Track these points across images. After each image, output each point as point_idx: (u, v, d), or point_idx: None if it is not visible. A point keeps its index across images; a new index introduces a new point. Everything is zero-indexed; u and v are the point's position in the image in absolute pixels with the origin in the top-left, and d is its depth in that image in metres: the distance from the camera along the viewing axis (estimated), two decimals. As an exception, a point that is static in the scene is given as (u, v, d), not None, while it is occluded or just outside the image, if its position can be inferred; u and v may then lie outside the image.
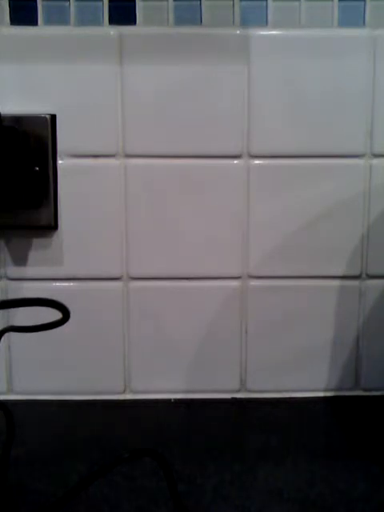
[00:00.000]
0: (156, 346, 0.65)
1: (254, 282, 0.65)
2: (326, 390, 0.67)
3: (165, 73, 0.61)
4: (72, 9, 0.61)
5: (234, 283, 0.65)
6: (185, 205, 0.63)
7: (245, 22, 0.61)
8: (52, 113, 0.61)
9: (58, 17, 0.61)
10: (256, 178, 0.63)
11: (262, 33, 0.61)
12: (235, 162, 0.63)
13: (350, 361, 0.66)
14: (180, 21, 0.61)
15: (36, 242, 0.63)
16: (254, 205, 0.63)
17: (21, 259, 0.64)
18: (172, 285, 0.64)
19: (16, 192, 0.59)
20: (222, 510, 0.46)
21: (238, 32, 0.61)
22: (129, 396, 0.66)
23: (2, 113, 0.58)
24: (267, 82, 0.62)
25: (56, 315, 0.45)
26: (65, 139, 0.61)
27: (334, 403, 0.65)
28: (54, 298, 0.46)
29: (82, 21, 0.61)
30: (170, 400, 0.65)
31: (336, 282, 0.65)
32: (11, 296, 0.64)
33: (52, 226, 0.62)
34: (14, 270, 0.64)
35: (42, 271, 0.64)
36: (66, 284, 0.64)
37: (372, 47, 0.61)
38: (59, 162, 0.62)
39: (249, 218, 0.63)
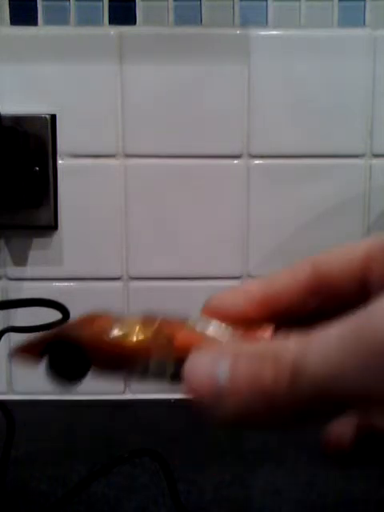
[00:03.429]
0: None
1: (253, 282, 0.65)
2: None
3: (165, 73, 0.61)
4: (72, 9, 0.61)
5: (234, 283, 0.65)
6: (185, 205, 0.63)
7: (245, 22, 0.61)
8: (52, 113, 0.61)
9: (58, 17, 0.61)
10: (256, 178, 0.63)
11: (261, 33, 0.61)
12: (235, 162, 0.63)
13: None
14: (180, 21, 0.61)
15: (36, 241, 0.63)
16: (254, 205, 0.63)
17: (21, 259, 0.64)
18: (172, 285, 0.64)
19: (16, 192, 0.59)
20: (221, 510, 0.46)
21: (237, 32, 0.61)
22: (129, 396, 0.66)
23: (1, 113, 0.58)
24: (267, 82, 0.62)
25: (56, 315, 0.45)
26: (65, 139, 0.61)
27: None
28: (54, 298, 0.46)
29: (82, 21, 0.61)
30: (169, 400, 0.65)
31: (336, 282, 0.65)
32: (11, 296, 0.64)
33: (52, 226, 0.62)
34: (14, 270, 0.64)
35: (42, 271, 0.64)
36: (65, 284, 0.64)
37: (372, 47, 0.61)
38: (59, 161, 0.62)
39: (249, 218, 0.63)
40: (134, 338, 0.22)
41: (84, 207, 0.63)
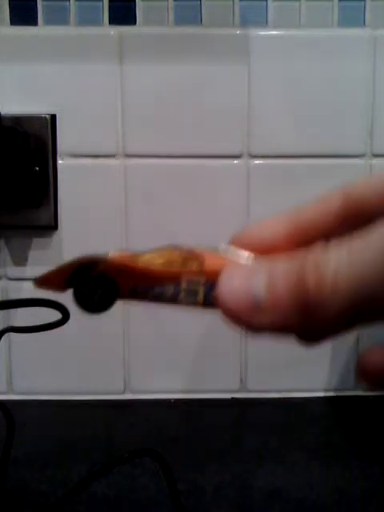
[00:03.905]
0: (156, 346, 0.65)
1: (253, 282, 0.65)
2: (326, 390, 0.67)
3: (165, 73, 0.61)
4: (72, 9, 0.61)
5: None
6: (185, 205, 0.63)
7: (245, 22, 0.61)
8: (52, 113, 0.61)
9: (58, 17, 0.61)
10: (256, 177, 0.63)
11: (261, 33, 0.61)
12: (235, 162, 0.63)
13: (350, 361, 0.66)
14: (180, 21, 0.61)
15: (36, 241, 0.63)
16: (254, 205, 0.63)
17: (21, 259, 0.64)
18: (172, 285, 0.64)
19: (16, 192, 0.59)
20: (222, 510, 0.46)
21: (237, 32, 0.61)
22: (129, 396, 0.66)
23: (1, 113, 0.58)
24: (267, 82, 0.62)
25: (56, 315, 0.45)
26: (65, 139, 0.61)
27: (334, 403, 0.65)
28: (54, 298, 0.46)
29: (82, 21, 0.61)
30: (169, 400, 0.65)
31: (336, 282, 0.65)
32: (11, 296, 0.64)
33: (52, 226, 0.62)
34: (14, 270, 0.64)
35: (42, 271, 0.64)
36: (65, 284, 0.64)
37: (372, 47, 0.61)
38: (59, 161, 0.62)
39: (249, 218, 0.63)
40: (164, 262, 0.22)
41: (84, 207, 0.63)
